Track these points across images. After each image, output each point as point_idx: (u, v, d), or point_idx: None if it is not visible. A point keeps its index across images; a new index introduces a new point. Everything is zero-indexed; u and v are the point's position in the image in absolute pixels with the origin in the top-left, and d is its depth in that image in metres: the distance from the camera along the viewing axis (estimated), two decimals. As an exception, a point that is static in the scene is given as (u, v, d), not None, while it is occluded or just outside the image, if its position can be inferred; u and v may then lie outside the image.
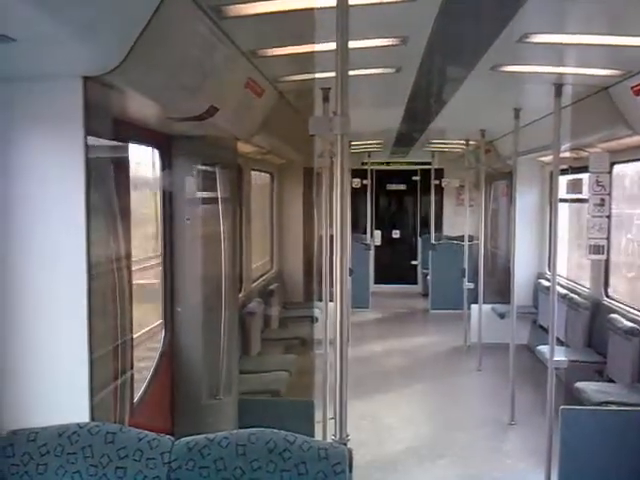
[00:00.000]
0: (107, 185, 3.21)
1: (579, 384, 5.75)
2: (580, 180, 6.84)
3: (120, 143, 3.51)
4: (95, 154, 2.86)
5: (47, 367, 2.80)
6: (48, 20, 2.10)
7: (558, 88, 4.90)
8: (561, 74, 4.74)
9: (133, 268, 4.12)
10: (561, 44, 3.88)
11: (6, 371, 2.79)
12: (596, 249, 5.20)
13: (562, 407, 4.79)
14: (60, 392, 2.81)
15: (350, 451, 2.67)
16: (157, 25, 2.59)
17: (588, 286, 7.52)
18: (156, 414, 4.42)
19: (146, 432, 2.72)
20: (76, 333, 2.77)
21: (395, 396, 7.32)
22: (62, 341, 2.80)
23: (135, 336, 4.37)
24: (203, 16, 3.03)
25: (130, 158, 3.83)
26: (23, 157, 2.77)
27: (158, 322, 4.87)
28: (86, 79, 2.69)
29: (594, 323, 7.01)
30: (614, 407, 5.17)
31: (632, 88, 4.41)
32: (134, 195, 4.05)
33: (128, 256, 3.58)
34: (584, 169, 5.69)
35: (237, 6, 3.06)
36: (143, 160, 4.73)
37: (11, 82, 2.71)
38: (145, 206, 5.83)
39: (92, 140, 2.79)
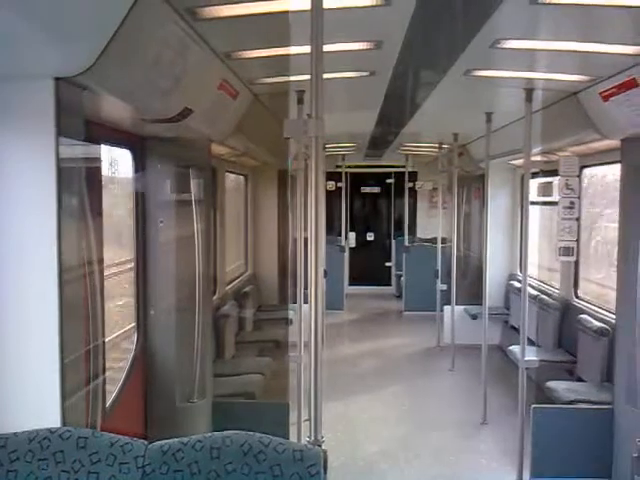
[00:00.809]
0: (79, 187, 3.17)
1: (550, 383, 5.84)
2: (550, 183, 6.96)
3: (92, 144, 3.47)
4: (67, 155, 2.82)
5: (18, 372, 2.76)
6: (19, 20, 2.08)
7: (529, 93, 4.99)
8: (532, 79, 4.82)
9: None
10: (532, 50, 3.95)
11: None
12: (566, 251, 5.29)
13: (533, 406, 4.86)
14: (31, 397, 2.77)
15: (325, 453, 2.68)
16: (130, 26, 2.57)
17: (558, 287, 7.66)
18: (129, 418, 4.37)
19: (119, 436, 2.69)
20: (47, 337, 2.73)
21: (369, 397, 7.35)
22: (33, 345, 2.76)
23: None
24: (177, 18, 3.02)
25: (102, 159, 3.79)
26: (-7, 158, 2.72)
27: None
28: (58, 80, 2.66)
29: (564, 323, 7.13)
30: (584, 405, 5.26)
31: (600, 94, 4.50)
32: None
33: (100, 259, 3.54)
34: (554, 172, 5.79)
35: (211, 8, 3.05)
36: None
37: (-20, 82, 2.67)
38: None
39: (64, 141, 2.76)
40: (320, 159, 2.77)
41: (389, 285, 13.99)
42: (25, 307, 2.76)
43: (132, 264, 4.72)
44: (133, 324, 4.72)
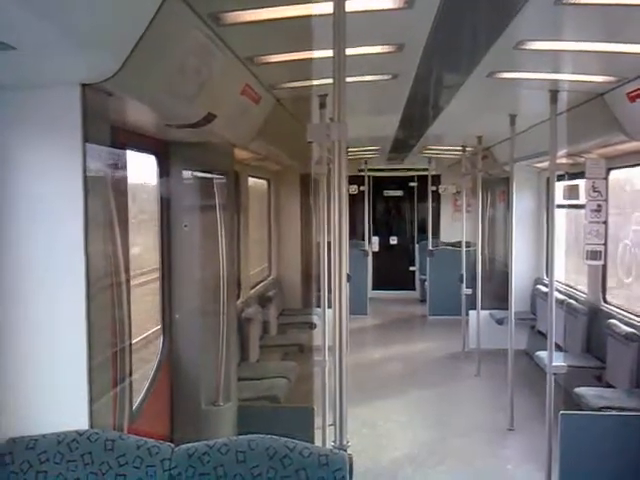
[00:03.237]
0: (105, 193, 3.21)
1: (578, 389, 5.75)
2: (576, 186, 6.86)
3: (118, 150, 3.51)
4: (93, 161, 2.85)
5: (47, 375, 2.80)
6: (48, 29, 2.12)
7: (554, 95, 4.93)
8: (557, 81, 4.77)
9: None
10: (557, 51, 3.91)
11: (6, 379, 2.78)
12: (593, 255, 5.21)
13: (561, 412, 4.78)
14: (59, 399, 2.81)
15: (350, 457, 2.67)
16: (155, 32, 2.60)
17: (586, 291, 7.55)
18: (155, 421, 4.41)
19: (145, 439, 2.72)
20: (75, 341, 2.77)
21: (394, 402, 7.31)
22: (61, 349, 2.79)
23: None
24: (200, 23, 3.05)
25: (128, 165, 3.82)
26: (22, 164, 2.77)
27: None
28: (84, 86, 2.70)
29: (592, 328, 7.01)
30: (613, 412, 5.16)
31: (627, 94, 4.44)
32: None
33: (126, 264, 3.57)
34: (581, 175, 5.72)
35: (234, 13, 3.07)
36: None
37: (10, 90, 2.72)
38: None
39: (90, 147, 2.79)
40: (343, 163, 2.77)
41: (413, 289, 13.91)
42: (54, 312, 2.80)
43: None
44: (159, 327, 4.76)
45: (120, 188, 3.55)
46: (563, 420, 4.74)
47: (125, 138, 3.68)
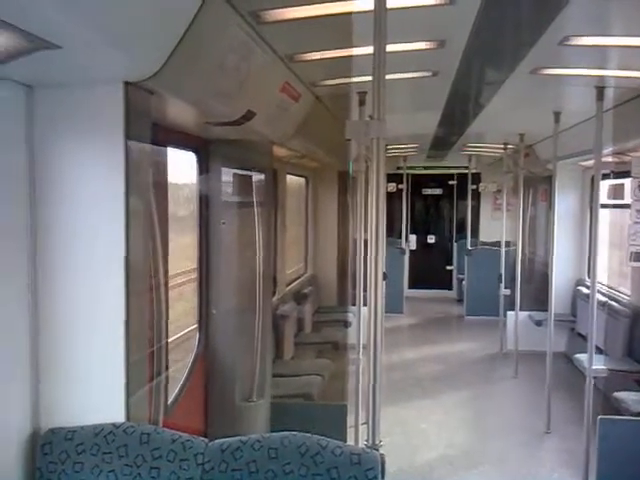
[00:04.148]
0: (146, 190, 3.24)
1: (618, 394, 5.62)
2: (622, 185, 6.69)
3: (159, 147, 3.54)
4: (135, 159, 2.88)
5: (85, 368, 2.85)
6: (91, 28, 2.15)
7: (600, 91, 4.81)
8: (603, 77, 4.64)
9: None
10: (604, 46, 3.80)
11: (46, 371, 2.85)
12: (638, 256, 5.08)
13: (600, 417, 4.67)
14: (97, 392, 2.85)
15: (383, 457, 2.65)
16: (196, 31, 2.62)
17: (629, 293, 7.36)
18: (190, 415, 4.46)
19: (180, 433, 2.74)
20: (114, 336, 2.81)
21: (429, 402, 7.25)
22: (100, 343, 2.84)
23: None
24: (241, 21, 3.06)
25: (168, 162, 3.86)
26: (65, 161, 2.82)
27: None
28: (127, 84, 2.73)
29: (635, 331, 6.83)
30: (655, 418, 5.03)
31: (678, 91, 4.30)
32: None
33: (165, 263, 3.61)
34: (626, 174, 5.57)
35: (275, 11, 3.07)
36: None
37: (55, 87, 2.77)
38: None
39: (132, 145, 2.82)
40: (381, 161, 2.74)
41: (450, 289, 13.77)
42: (93, 306, 2.84)
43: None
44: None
45: (161, 185, 3.59)
46: (602, 425, 4.63)
47: (166, 135, 3.71)
